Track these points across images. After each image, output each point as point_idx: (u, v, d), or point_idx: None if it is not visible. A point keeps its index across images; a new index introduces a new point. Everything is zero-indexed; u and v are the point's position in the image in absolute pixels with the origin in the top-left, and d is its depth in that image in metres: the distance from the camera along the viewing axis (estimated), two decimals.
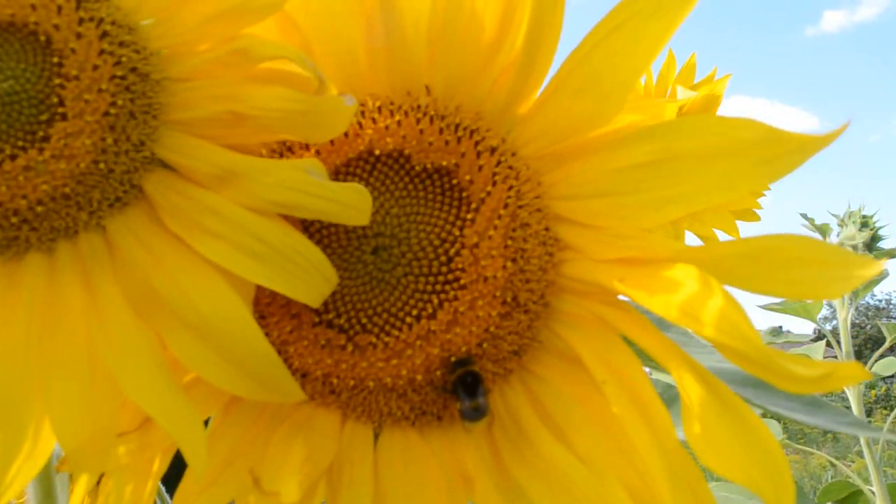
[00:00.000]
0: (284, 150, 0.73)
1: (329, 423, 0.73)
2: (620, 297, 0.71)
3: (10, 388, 0.65)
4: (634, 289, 0.65)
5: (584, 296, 0.72)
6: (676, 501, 0.62)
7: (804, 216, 2.70)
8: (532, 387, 0.73)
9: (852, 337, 2.74)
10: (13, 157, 0.65)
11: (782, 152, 0.63)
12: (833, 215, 2.84)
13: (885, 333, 2.71)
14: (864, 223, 2.71)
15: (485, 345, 0.71)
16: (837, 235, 2.76)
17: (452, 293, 0.71)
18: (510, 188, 0.72)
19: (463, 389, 0.69)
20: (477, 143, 0.72)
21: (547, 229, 0.73)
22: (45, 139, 0.65)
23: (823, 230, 2.74)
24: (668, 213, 0.69)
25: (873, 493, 2.52)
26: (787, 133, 0.63)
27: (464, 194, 0.73)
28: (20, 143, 0.65)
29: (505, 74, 0.73)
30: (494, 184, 0.71)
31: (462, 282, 0.71)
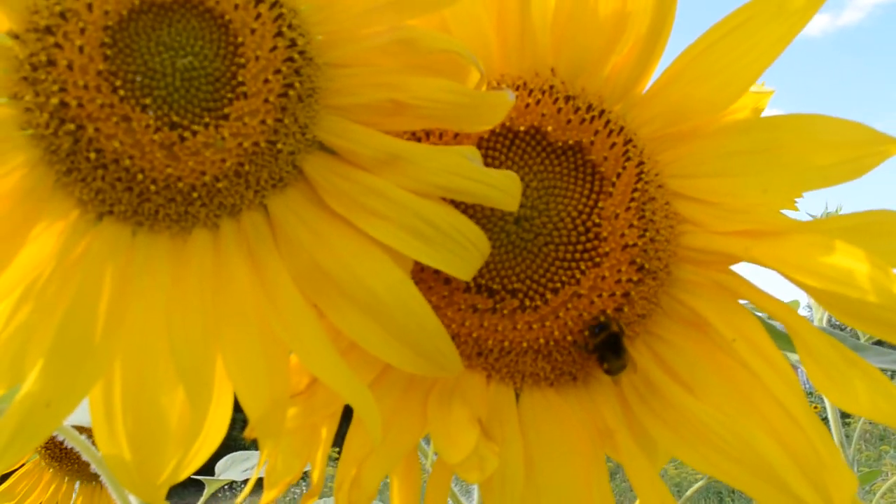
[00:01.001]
0: (423, 133, 0.77)
1: (477, 385, 0.78)
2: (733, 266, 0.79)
3: (196, 359, 0.66)
4: (766, 257, 0.73)
5: (703, 265, 0.79)
6: (819, 438, 0.70)
7: None
8: (657, 348, 0.80)
9: None
10: (194, 133, 0.66)
11: (873, 151, 0.74)
12: (811, 216, 3.01)
13: (860, 334, 2.86)
14: None
15: (625, 308, 0.77)
16: None
17: (596, 260, 0.77)
18: (639, 164, 0.78)
19: (609, 350, 0.75)
20: (607, 123, 0.78)
21: (668, 203, 0.80)
22: (224, 117, 0.67)
23: None
24: (773, 195, 0.78)
25: None
26: (877, 133, 0.73)
27: (599, 169, 0.78)
28: (200, 120, 0.66)
29: (625, 59, 0.80)
30: (627, 160, 0.78)
31: (602, 250, 0.77)
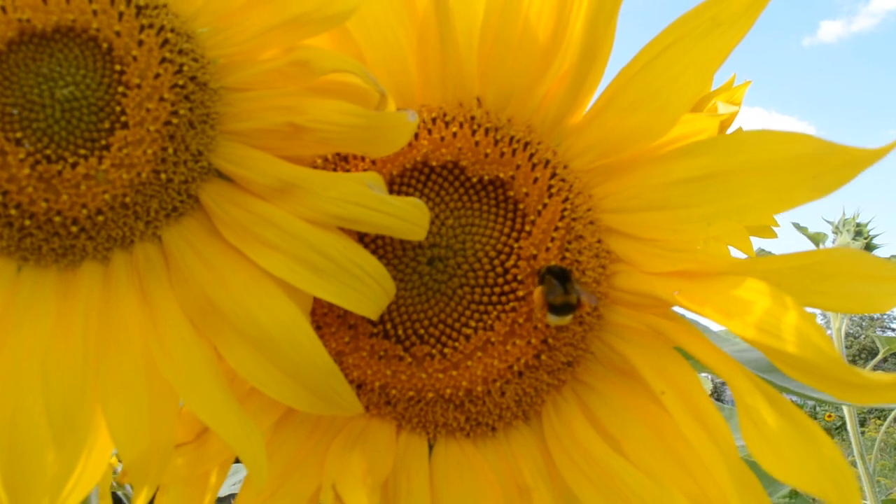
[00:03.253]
0: (339, 160, 0.73)
1: (384, 435, 0.73)
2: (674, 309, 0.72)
3: (69, 400, 0.64)
4: (694, 302, 0.66)
5: (637, 308, 0.73)
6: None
7: (797, 226, 2.72)
8: (585, 398, 0.74)
9: (846, 347, 2.75)
10: (73, 165, 0.64)
11: (835, 166, 0.64)
12: (828, 223, 2.86)
13: (879, 345, 2.71)
14: (859, 231, 2.74)
15: (542, 356, 0.72)
16: (832, 243, 2.77)
17: (511, 304, 0.71)
18: (565, 200, 0.72)
19: (556, 280, 0.69)
20: (531, 156, 0.73)
21: (599, 241, 0.74)
22: (106, 147, 0.65)
23: (818, 238, 2.76)
24: (720, 227, 0.70)
25: None
26: (840, 147, 0.64)
27: (519, 206, 0.73)
28: (80, 151, 0.64)
29: (556, 87, 0.74)
30: (550, 196, 0.72)
31: (520, 293, 0.71)
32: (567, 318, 0.69)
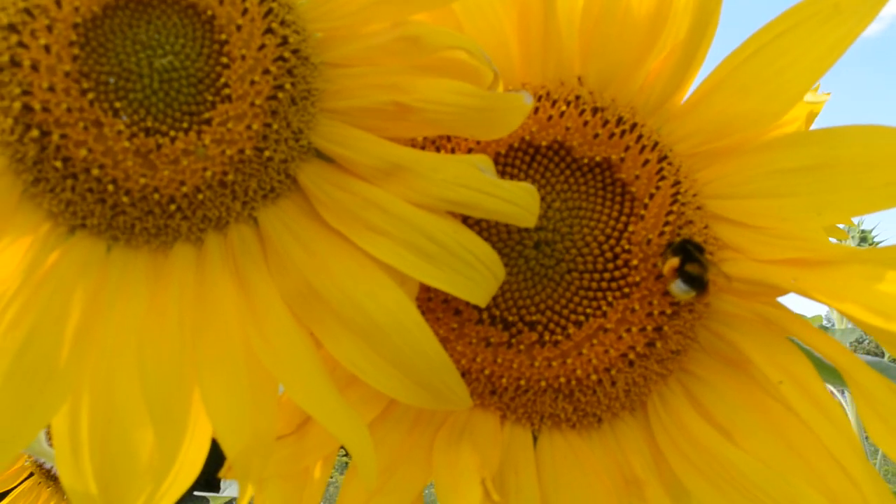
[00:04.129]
0: (442, 140, 0.70)
1: (489, 426, 0.70)
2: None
3: (168, 389, 0.60)
4: (821, 293, 0.64)
5: (746, 296, 0.70)
6: (876, 497, 0.60)
7: None
8: (692, 388, 0.71)
9: (853, 350, 2.75)
10: (173, 140, 0.60)
11: None
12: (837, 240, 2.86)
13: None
14: (864, 238, 2.75)
15: (657, 344, 0.69)
16: None
17: (625, 290, 0.69)
18: (675, 184, 0.70)
19: (689, 254, 0.67)
20: (639, 138, 0.70)
21: (707, 227, 0.71)
22: (207, 122, 0.61)
23: None
24: (828, 218, 0.68)
25: None
26: None
27: (629, 189, 0.70)
28: (180, 125, 0.60)
29: (660, 67, 0.71)
30: (661, 179, 0.69)
31: (632, 279, 0.69)
32: (691, 294, 0.66)
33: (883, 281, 0.61)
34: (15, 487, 1.85)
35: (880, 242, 2.81)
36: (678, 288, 0.66)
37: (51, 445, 1.16)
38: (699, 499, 0.66)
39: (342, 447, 0.64)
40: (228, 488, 1.65)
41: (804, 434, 0.65)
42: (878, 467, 2.60)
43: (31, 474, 1.86)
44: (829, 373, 0.68)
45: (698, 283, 0.66)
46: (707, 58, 0.73)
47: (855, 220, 2.84)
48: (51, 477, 1.85)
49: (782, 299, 0.71)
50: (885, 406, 0.62)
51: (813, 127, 0.80)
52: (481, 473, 0.62)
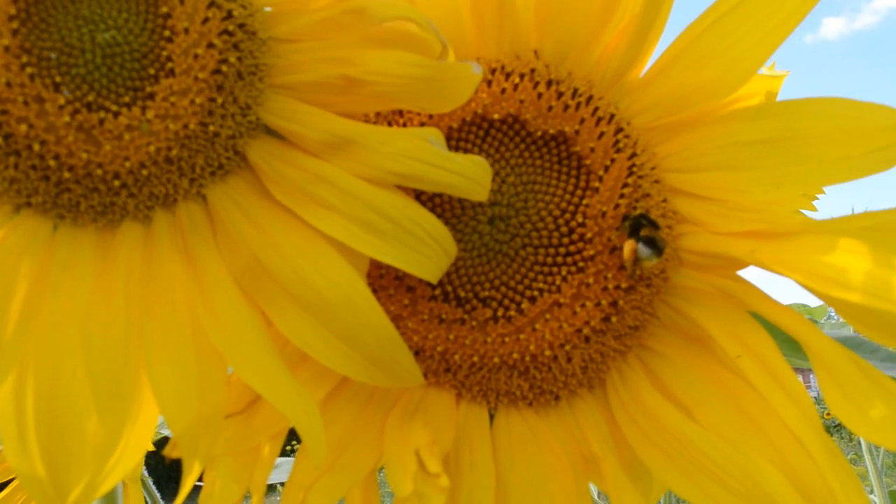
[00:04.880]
0: (393, 115, 0.69)
1: (444, 404, 0.69)
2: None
3: (112, 367, 0.59)
4: (777, 264, 0.63)
5: (705, 270, 0.70)
6: (833, 471, 0.59)
7: None
8: (651, 364, 0.70)
9: None
10: (116, 115, 0.59)
11: None
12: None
13: None
14: None
15: (612, 318, 0.68)
16: None
17: (580, 264, 0.68)
18: (631, 156, 0.69)
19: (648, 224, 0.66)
20: (595, 110, 0.69)
21: (665, 201, 0.70)
22: (150, 97, 0.60)
23: None
24: (787, 190, 0.67)
25: (874, 500, 2.49)
26: None
27: (584, 162, 0.69)
28: (123, 100, 0.60)
29: (617, 40, 0.70)
30: (617, 151, 0.68)
31: (587, 253, 0.68)
32: (655, 260, 0.65)
33: (837, 250, 0.60)
34: (12, 479, 1.85)
35: None
36: (643, 251, 0.65)
37: None
38: (657, 474, 0.66)
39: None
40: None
41: (763, 408, 0.64)
42: (880, 461, 2.57)
43: None
44: (795, 347, 0.68)
45: (657, 248, 0.65)
46: (667, 31, 0.72)
47: (860, 206, 2.82)
48: None
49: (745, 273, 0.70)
50: (843, 373, 0.61)
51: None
52: (433, 450, 0.61)
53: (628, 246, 0.66)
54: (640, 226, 0.65)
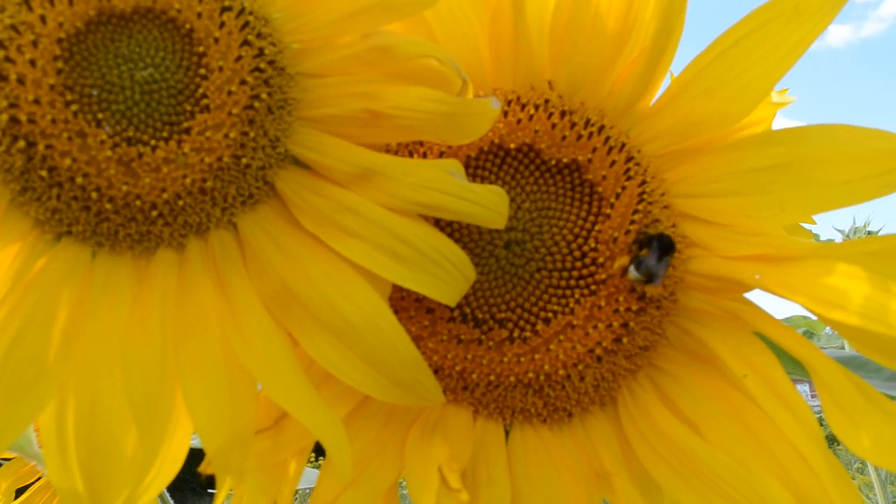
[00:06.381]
0: (414, 145, 0.72)
1: (461, 421, 0.72)
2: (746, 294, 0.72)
3: (150, 387, 0.62)
4: (781, 287, 0.66)
5: (712, 292, 0.73)
6: (835, 487, 0.62)
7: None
8: (661, 383, 0.73)
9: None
10: (154, 149, 0.63)
11: None
12: (838, 231, 2.86)
13: None
14: None
15: (623, 339, 0.71)
16: None
17: (592, 287, 0.71)
18: (642, 183, 0.72)
19: (659, 248, 0.69)
20: (607, 139, 0.72)
21: (674, 226, 0.73)
22: (186, 131, 0.64)
23: None
24: (791, 214, 0.70)
25: None
26: None
27: (596, 189, 0.73)
28: (160, 134, 0.63)
29: (628, 71, 0.74)
30: (628, 179, 0.72)
31: (599, 277, 0.71)
32: (641, 279, 0.69)
33: (838, 275, 0.63)
34: (32, 483, 1.87)
35: None
36: (632, 274, 0.68)
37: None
38: (666, 489, 0.69)
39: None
40: None
41: (768, 426, 0.67)
42: (884, 470, 2.58)
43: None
44: (798, 366, 0.70)
45: (649, 272, 0.68)
46: (677, 60, 0.75)
47: (860, 221, 2.84)
48: None
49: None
50: (844, 396, 0.64)
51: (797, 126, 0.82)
52: (451, 465, 0.64)
53: (619, 262, 0.69)
54: (660, 247, 0.69)
